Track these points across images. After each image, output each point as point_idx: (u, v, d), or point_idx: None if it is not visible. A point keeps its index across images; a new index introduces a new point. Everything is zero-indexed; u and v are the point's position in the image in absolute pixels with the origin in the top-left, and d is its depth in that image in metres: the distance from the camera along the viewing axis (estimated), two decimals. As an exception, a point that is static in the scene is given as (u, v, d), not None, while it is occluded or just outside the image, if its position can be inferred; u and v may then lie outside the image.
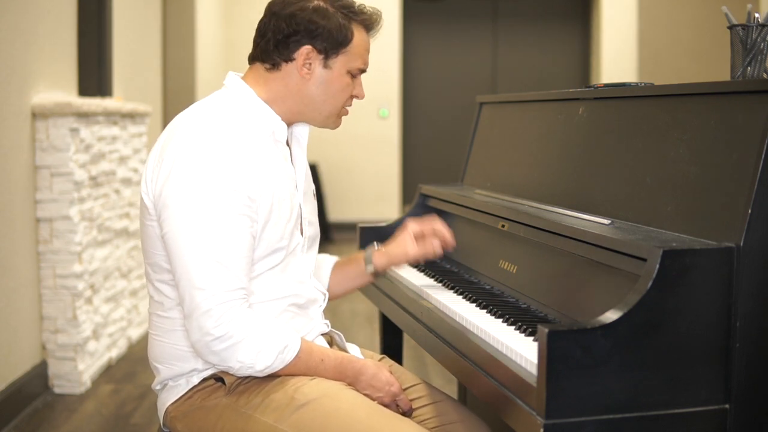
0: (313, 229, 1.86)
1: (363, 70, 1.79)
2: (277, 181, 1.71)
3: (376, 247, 2.01)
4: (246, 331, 1.58)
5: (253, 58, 1.77)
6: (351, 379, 1.70)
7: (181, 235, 1.59)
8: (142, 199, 1.69)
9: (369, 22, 1.77)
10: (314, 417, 1.58)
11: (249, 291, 1.64)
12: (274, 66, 1.74)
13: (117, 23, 4.68)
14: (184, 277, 1.59)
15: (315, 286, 1.85)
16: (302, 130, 1.85)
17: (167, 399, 1.74)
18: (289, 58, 1.72)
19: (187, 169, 1.60)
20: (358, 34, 1.75)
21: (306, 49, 1.71)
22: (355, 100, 1.85)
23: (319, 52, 1.72)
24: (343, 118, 1.87)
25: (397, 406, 1.74)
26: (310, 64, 1.72)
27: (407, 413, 1.75)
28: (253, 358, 1.59)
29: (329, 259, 2.03)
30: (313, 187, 1.93)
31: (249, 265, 1.64)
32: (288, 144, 1.81)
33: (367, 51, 1.79)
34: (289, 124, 1.80)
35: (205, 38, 7.03)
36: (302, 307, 1.79)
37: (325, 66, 1.73)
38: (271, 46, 1.72)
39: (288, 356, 1.62)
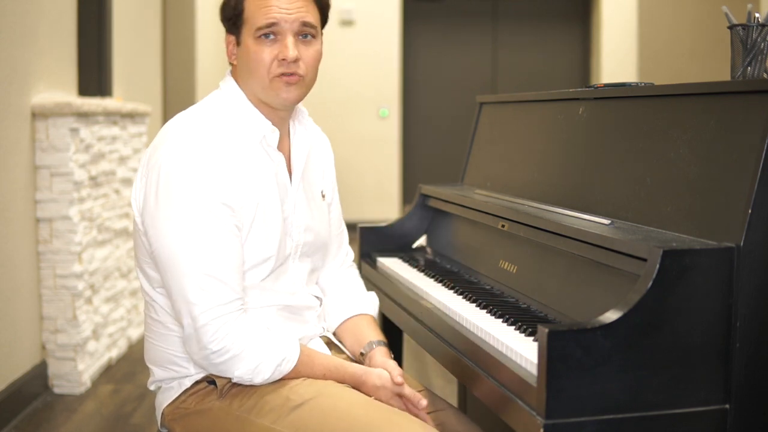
0: (312, 235, 1.81)
1: (269, 26, 1.65)
2: (263, 190, 1.69)
3: (386, 353, 1.83)
4: (243, 345, 1.58)
5: None
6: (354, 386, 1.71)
7: (171, 252, 1.59)
8: (132, 204, 1.70)
9: None
10: (312, 416, 1.58)
11: (244, 299, 1.64)
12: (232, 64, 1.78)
13: (117, 23, 4.67)
14: (178, 293, 1.58)
15: (310, 293, 1.83)
16: (303, 130, 1.83)
17: (162, 401, 1.74)
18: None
19: (170, 187, 1.59)
20: None
21: (225, 37, 1.74)
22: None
23: (231, 33, 1.72)
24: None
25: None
26: (231, 47, 1.73)
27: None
28: (251, 372, 1.60)
29: (357, 308, 1.92)
30: (324, 187, 1.90)
31: (242, 273, 1.64)
32: (289, 149, 1.79)
33: (268, 6, 1.65)
34: (282, 120, 1.76)
35: (205, 38, 7.03)
36: (296, 312, 1.78)
37: (239, 44, 1.71)
38: None
39: (286, 368, 1.63)
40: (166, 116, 6.09)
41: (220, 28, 1.78)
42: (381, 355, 1.79)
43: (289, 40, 1.66)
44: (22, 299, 3.36)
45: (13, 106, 3.28)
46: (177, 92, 6.60)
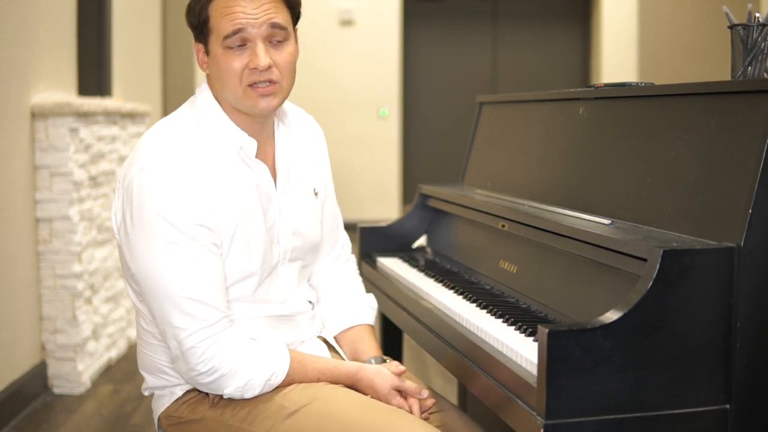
0: (301, 240, 1.76)
1: (236, 32, 1.57)
2: (243, 205, 1.64)
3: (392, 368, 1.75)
4: (232, 363, 1.56)
5: None
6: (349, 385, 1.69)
7: (149, 276, 1.55)
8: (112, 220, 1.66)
9: None
10: (308, 422, 1.56)
11: (230, 314, 1.61)
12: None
13: (117, 23, 4.67)
14: (161, 316, 1.56)
15: (301, 297, 1.78)
16: (287, 131, 1.77)
17: (157, 407, 1.73)
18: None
19: (144, 207, 1.54)
20: (214, 3, 1.59)
21: (195, 47, 1.67)
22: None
23: (199, 42, 1.64)
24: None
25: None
26: (201, 56, 1.65)
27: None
28: (241, 389, 1.58)
29: (355, 318, 1.89)
30: (316, 185, 1.83)
31: (224, 290, 1.60)
32: (273, 151, 1.73)
33: (232, 13, 1.56)
34: (260, 127, 1.69)
35: (205, 38, 7.02)
36: (287, 318, 1.74)
37: (207, 53, 1.63)
38: None
39: (276, 381, 1.61)
40: (166, 116, 6.08)
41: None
42: None
43: (259, 47, 1.58)
44: (22, 299, 3.36)
45: (12, 106, 3.28)
46: (177, 92, 6.60)
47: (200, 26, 1.61)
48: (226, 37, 1.57)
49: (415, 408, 1.66)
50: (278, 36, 1.61)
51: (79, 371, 3.55)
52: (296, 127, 1.81)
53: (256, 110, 1.63)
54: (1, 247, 3.16)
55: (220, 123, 1.65)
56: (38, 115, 3.45)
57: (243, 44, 1.59)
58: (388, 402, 1.65)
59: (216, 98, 1.67)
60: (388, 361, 1.80)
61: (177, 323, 1.54)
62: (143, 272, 1.56)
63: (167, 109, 6.27)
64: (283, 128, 1.77)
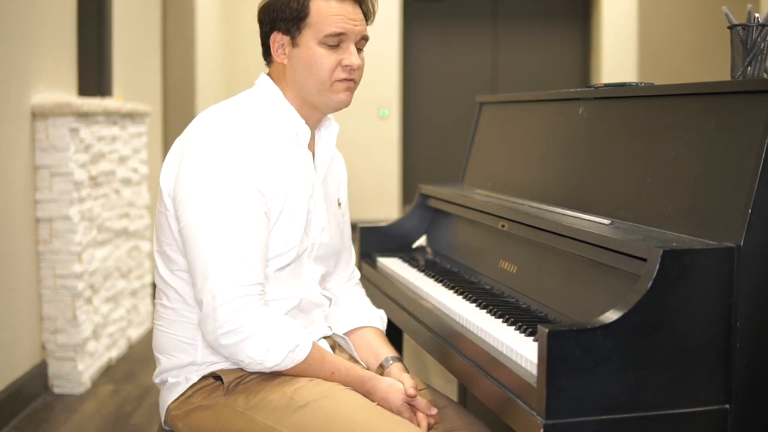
0: (327, 237, 1.84)
1: (338, 34, 1.73)
2: (292, 183, 1.73)
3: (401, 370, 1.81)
4: (257, 327, 1.59)
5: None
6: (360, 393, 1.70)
7: (201, 230, 1.62)
8: (160, 187, 1.73)
9: None
10: (313, 418, 1.58)
11: (265, 288, 1.66)
12: (269, 62, 1.81)
13: (117, 23, 4.67)
14: (202, 270, 1.61)
15: (320, 293, 1.85)
16: (328, 135, 1.86)
17: (168, 397, 1.75)
18: (270, 50, 1.78)
19: (205, 166, 1.64)
20: (318, 2, 1.73)
21: (273, 36, 1.76)
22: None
23: (284, 33, 1.75)
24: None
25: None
26: (283, 47, 1.76)
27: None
28: (263, 354, 1.60)
29: (368, 320, 1.93)
30: (340, 196, 1.93)
31: (266, 261, 1.67)
32: (313, 149, 1.83)
33: (338, 15, 1.73)
34: (314, 123, 1.81)
35: (205, 38, 7.02)
36: (305, 310, 1.79)
37: (294, 45, 1.75)
38: (261, 45, 1.80)
39: (298, 356, 1.64)
40: (166, 116, 6.08)
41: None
42: (398, 370, 1.80)
43: (353, 48, 1.75)
44: (22, 299, 3.36)
45: (12, 106, 3.28)
46: (177, 92, 6.60)
47: (296, 20, 1.73)
48: (329, 35, 1.72)
49: (423, 424, 1.69)
50: (361, 45, 1.79)
51: (79, 371, 3.55)
52: (334, 135, 1.89)
53: (335, 103, 1.77)
54: (1, 247, 3.16)
55: (280, 107, 1.77)
56: (38, 115, 3.45)
57: (337, 44, 1.74)
58: (398, 414, 1.67)
59: (280, 88, 1.78)
60: (407, 373, 1.80)
61: (217, 277, 1.59)
62: (194, 225, 1.63)
63: (167, 109, 6.27)
64: (324, 132, 1.86)
